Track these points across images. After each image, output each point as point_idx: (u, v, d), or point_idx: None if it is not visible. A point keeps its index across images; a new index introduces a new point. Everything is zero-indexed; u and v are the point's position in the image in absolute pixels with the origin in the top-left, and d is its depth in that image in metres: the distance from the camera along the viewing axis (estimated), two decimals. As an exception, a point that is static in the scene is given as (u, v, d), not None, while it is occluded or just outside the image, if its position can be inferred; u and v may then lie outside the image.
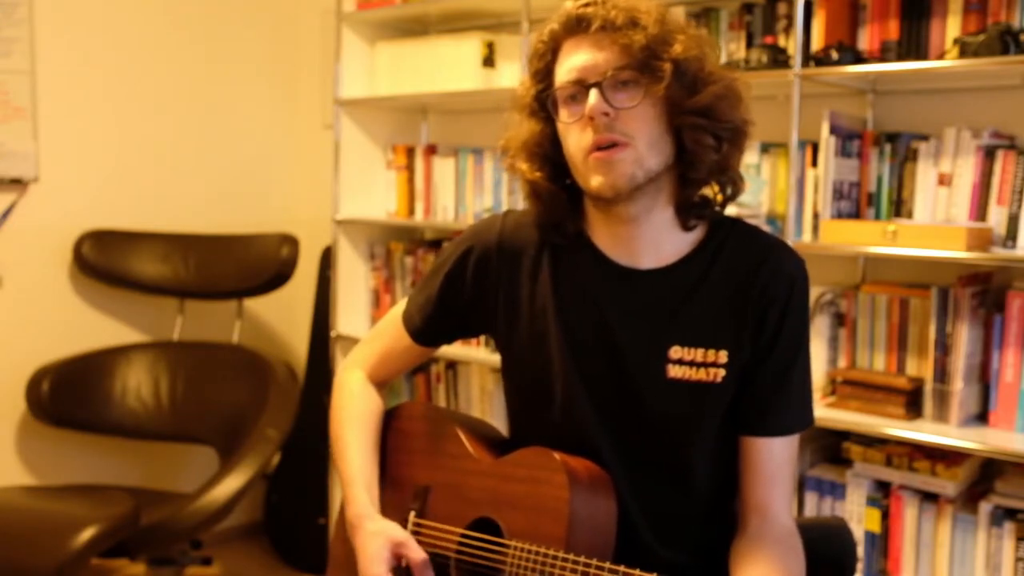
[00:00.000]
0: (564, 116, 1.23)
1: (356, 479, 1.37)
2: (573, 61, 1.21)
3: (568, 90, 1.21)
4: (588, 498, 1.22)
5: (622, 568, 1.14)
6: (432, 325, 1.42)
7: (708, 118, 1.19)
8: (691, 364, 1.24)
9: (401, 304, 1.47)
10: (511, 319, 1.34)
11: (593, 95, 1.17)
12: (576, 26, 1.21)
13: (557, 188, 1.28)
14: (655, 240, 1.26)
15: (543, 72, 1.26)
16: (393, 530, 1.31)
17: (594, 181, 1.20)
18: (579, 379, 1.27)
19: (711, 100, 1.19)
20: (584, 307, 1.28)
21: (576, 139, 1.21)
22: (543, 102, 1.26)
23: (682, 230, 1.26)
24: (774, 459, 1.26)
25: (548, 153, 1.27)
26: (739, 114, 1.23)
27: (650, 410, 1.25)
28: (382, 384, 1.50)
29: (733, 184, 1.27)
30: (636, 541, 1.26)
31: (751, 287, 1.24)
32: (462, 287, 1.37)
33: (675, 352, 1.24)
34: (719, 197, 1.28)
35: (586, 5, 1.20)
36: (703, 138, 1.19)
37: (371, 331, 1.53)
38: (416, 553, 1.28)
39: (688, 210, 1.25)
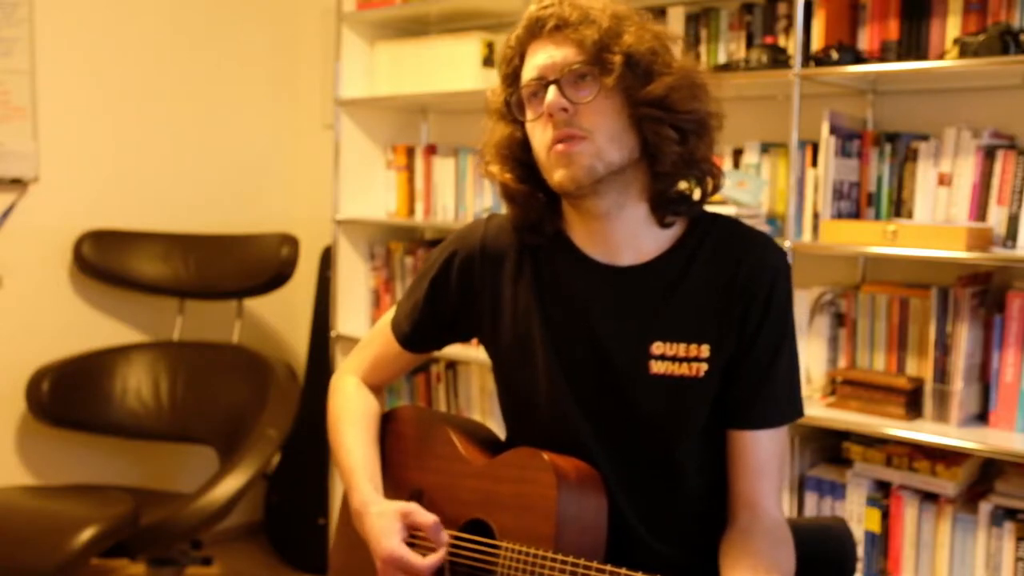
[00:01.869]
0: (529, 115, 1.25)
1: (357, 470, 1.36)
2: (535, 61, 1.23)
3: (530, 88, 1.23)
4: (576, 497, 1.22)
5: (608, 568, 1.14)
6: (420, 331, 1.43)
7: (664, 109, 1.19)
8: (673, 359, 1.24)
9: (391, 311, 1.48)
10: (495, 321, 1.35)
11: (551, 92, 1.19)
12: (537, 28, 1.24)
13: (530, 189, 1.29)
14: (632, 236, 1.26)
15: (511, 76, 1.28)
16: (397, 503, 1.30)
17: (556, 175, 1.21)
18: (563, 378, 1.28)
19: (665, 90, 1.19)
20: (566, 306, 1.29)
21: (540, 136, 1.23)
22: (511, 105, 1.28)
23: (659, 226, 1.27)
24: (761, 452, 1.26)
25: (518, 155, 1.29)
26: (700, 105, 1.23)
27: (635, 406, 1.26)
28: (375, 391, 1.50)
29: (712, 178, 1.27)
30: (629, 536, 1.27)
31: (733, 280, 1.24)
32: (447, 292, 1.38)
33: (657, 348, 1.25)
34: (696, 193, 1.28)
35: (545, 7, 1.23)
36: (662, 130, 1.20)
37: (363, 339, 1.54)
38: (426, 517, 1.27)
39: (663, 206, 1.26)
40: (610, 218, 1.25)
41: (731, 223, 1.30)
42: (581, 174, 1.19)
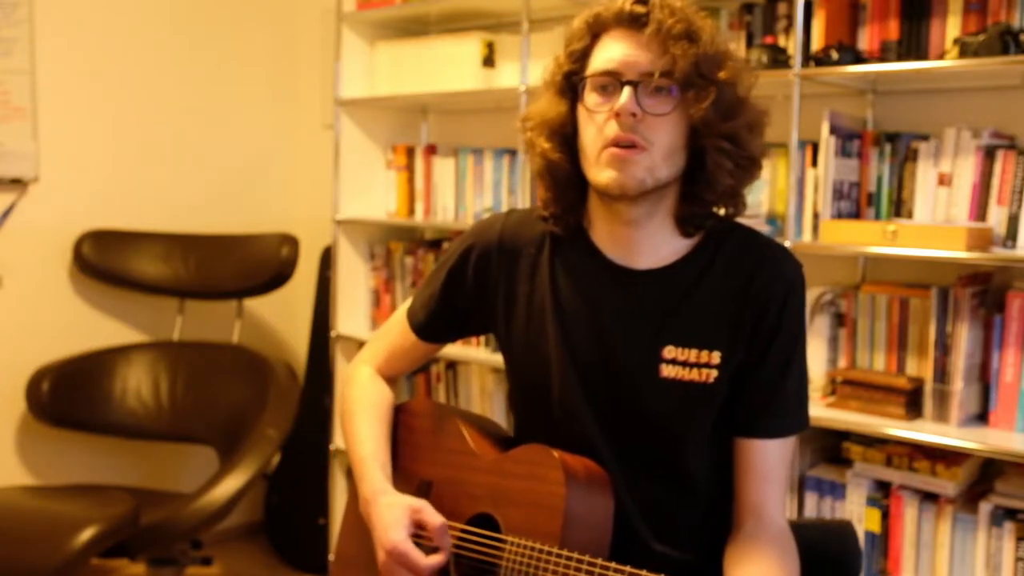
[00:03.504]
0: (590, 103, 1.22)
1: (369, 458, 1.37)
2: (614, 51, 1.20)
3: (601, 79, 1.21)
4: (584, 495, 1.22)
5: (613, 564, 1.14)
6: (435, 322, 1.44)
7: (734, 144, 1.20)
8: (684, 364, 1.25)
9: (407, 302, 1.49)
10: (510, 317, 1.35)
11: (626, 93, 1.17)
12: (629, 21, 1.20)
13: (574, 173, 1.27)
14: (653, 242, 1.27)
15: (578, 54, 1.25)
16: (409, 499, 1.30)
17: (604, 175, 1.20)
18: (575, 377, 1.28)
19: (743, 128, 1.21)
20: (581, 305, 1.29)
21: (596, 130, 1.21)
22: (573, 83, 1.25)
23: (681, 235, 1.27)
24: (769, 460, 1.27)
25: (569, 136, 1.27)
26: (759, 145, 1.24)
27: (644, 409, 1.26)
28: (390, 381, 1.51)
29: (735, 208, 1.29)
30: (632, 537, 1.27)
31: (748, 289, 1.25)
32: (463, 285, 1.39)
33: (668, 352, 1.25)
34: (721, 211, 1.29)
35: (643, 2, 1.19)
36: (724, 162, 1.20)
37: (379, 330, 1.55)
38: (434, 517, 1.27)
39: (689, 222, 1.27)
40: (638, 225, 1.25)
41: (749, 232, 1.31)
42: (631, 183, 1.18)
